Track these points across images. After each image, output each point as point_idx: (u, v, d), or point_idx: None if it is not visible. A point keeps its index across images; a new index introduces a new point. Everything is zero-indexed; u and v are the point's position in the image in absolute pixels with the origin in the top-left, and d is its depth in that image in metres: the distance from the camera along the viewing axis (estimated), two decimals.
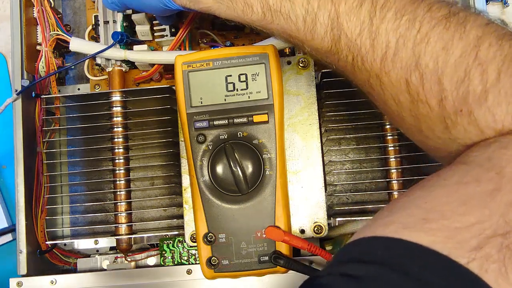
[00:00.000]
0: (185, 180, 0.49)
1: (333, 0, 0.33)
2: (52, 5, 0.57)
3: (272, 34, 0.39)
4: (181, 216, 0.51)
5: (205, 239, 0.45)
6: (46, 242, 0.54)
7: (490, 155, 0.28)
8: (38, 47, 0.56)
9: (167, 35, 0.54)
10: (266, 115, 0.45)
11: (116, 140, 0.53)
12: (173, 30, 0.54)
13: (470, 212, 0.25)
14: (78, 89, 0.60)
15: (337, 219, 0.53)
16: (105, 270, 0.54)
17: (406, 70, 0.32)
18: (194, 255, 0.53)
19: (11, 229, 0.61)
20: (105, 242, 0.55)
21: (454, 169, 0.30)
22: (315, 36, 0.34)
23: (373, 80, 0.34)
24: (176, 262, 0.53)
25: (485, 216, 0.25)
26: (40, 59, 0.56)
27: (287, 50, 0.53)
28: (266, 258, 0.45)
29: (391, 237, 0.25)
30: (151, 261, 0.55)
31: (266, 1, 0.35)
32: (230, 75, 0.45)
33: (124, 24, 0.55)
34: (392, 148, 0.52)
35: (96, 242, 0.55)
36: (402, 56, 0.32)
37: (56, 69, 0.56)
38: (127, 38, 0.54)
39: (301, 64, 0.50)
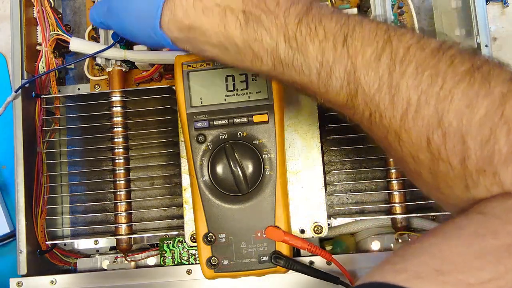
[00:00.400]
0: (185, 180, 0.49)
1: (350, 52, 0.31)
2: (52, 5, 0.57)
3: (282, 84, 0.36)
4: (181, 216, 0.51)
5: (205, 239, 0.45)
6: (46, 242, 0.54)
7: (509, 207, 0.27)
8: (38, 47, 0.56)
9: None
10: (266, 115, 0.45)
11: (116, 140, 0.53)
12: None
13: (485, 267, 0.24)
14: (78, 89, 0.60)
15: (337, 219, 0.53)
16: (105, 270, 0.54)
17: (428, 128, 0.30)
18: (194, 255, 0.53)
19: (12, 234, 0.61)
20: (105, 242, 0.55)
21: (470, 218, 0.28)
22: (329, 89, 0.32)
23: (391, 137, 0.32)
24: (176, 262, 0.53)
25: (500, 273, 0.24)
26: (40, 59, 0.56)
27: None
28: (266, 258, 0.45)
29: (401, 286, 0.24)
30: (151, 261, 0.55)
31: (277, 54, 0.33)
32: (230, 75, 0.45)
33: None
34: None
35: (96, 242, 0.55)
36: (424, 113, 0.30)
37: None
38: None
39: None
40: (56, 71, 0.56)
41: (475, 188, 0.29)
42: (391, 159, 0.52)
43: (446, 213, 0.52)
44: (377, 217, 0.53)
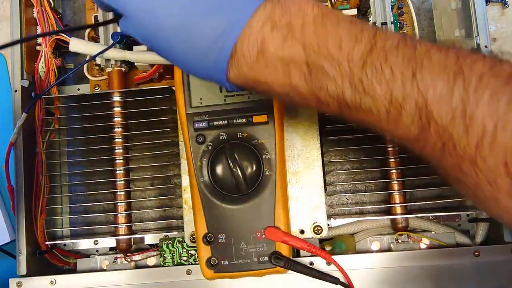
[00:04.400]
0: (185, 181, 0.49)
1: (420, 88, 0.30)
2: (52, 5, 0.57)
3: (351, 122, 0.35)
4: (180, 217, 0.51)
5: (204, 240, 0.45)
6: (46, 242, 0.54)
7: None
8: (38, 47, 0.56)
9: None
10: (266, 115, 0.45)
11: (116, 140, 0.53)
12: None
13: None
14: (78, 89, 0.60)
15: (337, 219, 0.53)
16: (105, 270, 0.54)
17: (505, 153, 0.29)
18: (194, 255, 0.53)
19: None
20: (105, 242, 0.55)
21: None
22: (399, 125, 0.31)
23: (465, 165, 0.31)
24: (175, 263, 0.53)
25: None
26: (40, 59, 0.56)
27: None
28: (266, 258, 0.45)
29: None
30: (151, 261, 0.55)
31: (343, 99, 0.32)
32: None
33: None
34: (391, 148, 0.52)
35: (95, 242, 0.55)
36: (501, 140, 0.29)
37: (55, 70, 0.56)
38: (127, 38, 0.54)
39: None
40: (56, 71, 0.56)
41: None
42: (391, 160, 0.52)
43: (446, 213, 0.53)
44: (377, 217, 0.53)
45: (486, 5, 0.52)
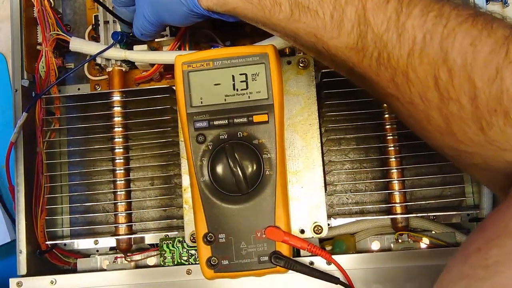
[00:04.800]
0: (185, 180, 0.49)
1: None
2: (52, 5, 0.57)
3: (296, 37, 0.38)
4: (181, 216, 0.51)
5: (205, 239, 0.45)
6: (46, 242, 0.54)
7: None
8: (38, 47, 0.56)
9: (167, 35, 0.54)
10: (266, 115, 0.45)
11: (116, 140, 0.53)
12: (173, 29, 0.54)
13: None
14: (78, 89, 0.59)
15: (337, 219, 0.53)
16: (105, 270, 0.54)
17: (434, 65, 0.31)
18: (194, 255, 0.53)
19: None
20: (105, 242, 0.55)
21: None
22: (341, 32, 0.34)
23: (398, 78, 0.33)
24: (176, 262, 0.53)
25: None
26: (40, 59, 0.56)
27: (287, 50, 0.53)
28: (266, 258, 0.45)
29: None
30: (151, 261, 0.55)
31: None
32: (230, 75, 0.45)
33: None
34: (392, 148, 0.52)
35: (96, 242, 0.55)
36: (429, 51, 0.31)
37: (56, 69, 0.56)
38: (127, 38, 0.54)
39: (301, 64, 0.50)
40: (56, 71, 0.56)
41: (490, 129, 0.30)
42: (391, 160, 0.52)
43: (446, 213, 0.53)
44: (377, 217, 0.53)
45: (487, 4, 0.52)
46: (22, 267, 0.52)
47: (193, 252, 0.53)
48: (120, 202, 0.53)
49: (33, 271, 0.52)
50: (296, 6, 0.36)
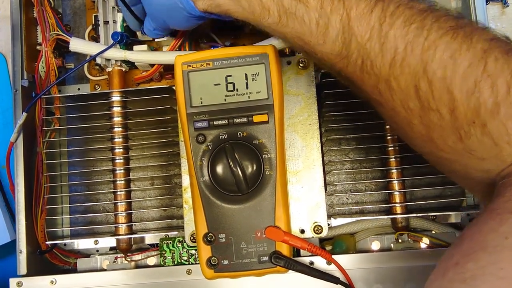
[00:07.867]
0: (185, 180, 0.49)
1: (345, 5, 0.34)
2: (52, 5, 0.57)
3: (285, 40, 0.39)
4: (181, 216, 0.51)
5: (205, 239, 0.45)
6: (46, 242, 0.54)
7: None
8: (38, 47, 0.56)
9: (167, 35, 0.54)
10: (266, 115, 0.45)
11: (116, 140, 0.53)
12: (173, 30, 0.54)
13: None
14: (78, 89, 0.60)
15: (337, 219, 0.53)
16: (105, 270, 0.54)
17: (415, 76, 0.32)
18: (194, 255, 0.53)
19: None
20: (105, 242, 0.55)
21: (508, 222, 0.28)
22: (327, 39, 0.35)
23: (381, 85, 0.34)
24: (176, 262, 0.53)
25: None
26: (40, 59, 0.55)
27: (287, 50, 0.53)
28: (266, 258, 0.45)
29: None
30: (151, 261, 0.55)
31: (282, 4, 0.36)
32: (230, 75, 0.45)
33: (124, 24, 0.55)
34: (392, 148, 0.52)
35: (96, 242, 0.55)
36: (410, 62, 0.32)
37: (56, 69, 0.56)
38: (127, 38, 0.54)
39: (301, 64, 0.50)
40: (56, 71, 0.56)
41: (468, 139, 0.31)
42: (391, 160, 0.52)
43: (446, 213, 0.53)
44: (377, 217, 0.53)
45: (486, 4, 0.52)
46: (22, 267, 0.52)
47: (193, 252, 0.53)
48: (120, 202, 0.53)
49: (33, 271, 0.52)
50: (284, 12, 0.37)
